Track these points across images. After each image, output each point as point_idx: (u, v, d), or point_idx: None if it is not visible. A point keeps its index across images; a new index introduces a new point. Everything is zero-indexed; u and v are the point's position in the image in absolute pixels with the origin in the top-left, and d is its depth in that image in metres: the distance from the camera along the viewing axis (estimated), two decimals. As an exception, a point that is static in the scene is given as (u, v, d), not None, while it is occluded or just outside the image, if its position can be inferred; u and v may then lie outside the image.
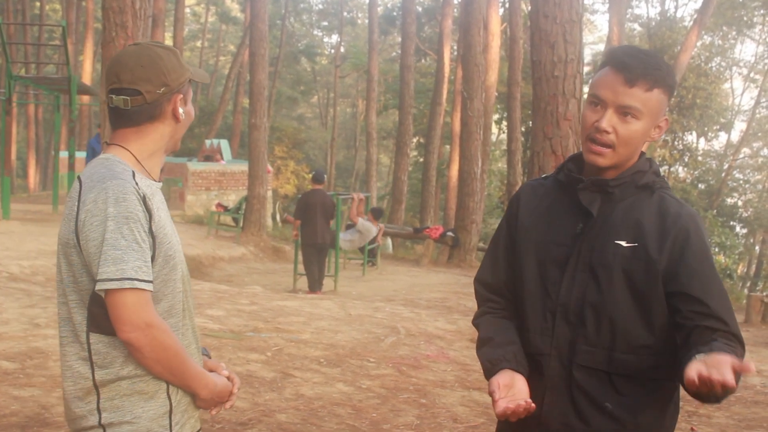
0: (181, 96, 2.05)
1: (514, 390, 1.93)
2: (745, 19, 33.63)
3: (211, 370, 2.14)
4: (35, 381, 5.08)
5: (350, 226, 14.49)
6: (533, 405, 1.88)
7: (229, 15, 47.63)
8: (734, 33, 36.67)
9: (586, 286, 1.96)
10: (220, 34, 52.86)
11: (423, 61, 37.03)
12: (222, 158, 23.93)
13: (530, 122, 19.16)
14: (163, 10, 23.75)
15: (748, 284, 32.16)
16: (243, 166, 21.64)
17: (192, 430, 2.09)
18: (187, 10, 46.33)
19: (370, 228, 14.02)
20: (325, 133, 47.73)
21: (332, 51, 53.57)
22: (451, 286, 13.38)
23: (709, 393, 1.63)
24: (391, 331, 7.66)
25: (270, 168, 22.29)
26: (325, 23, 53.22)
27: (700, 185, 31.99)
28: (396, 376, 6.02)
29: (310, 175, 12.56)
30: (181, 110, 2.05)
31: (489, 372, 2.00)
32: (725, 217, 31.00)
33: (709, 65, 31.92)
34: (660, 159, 31.75)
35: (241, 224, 17.80)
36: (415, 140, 33.58)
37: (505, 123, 29.40)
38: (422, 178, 28.16)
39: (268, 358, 6.16)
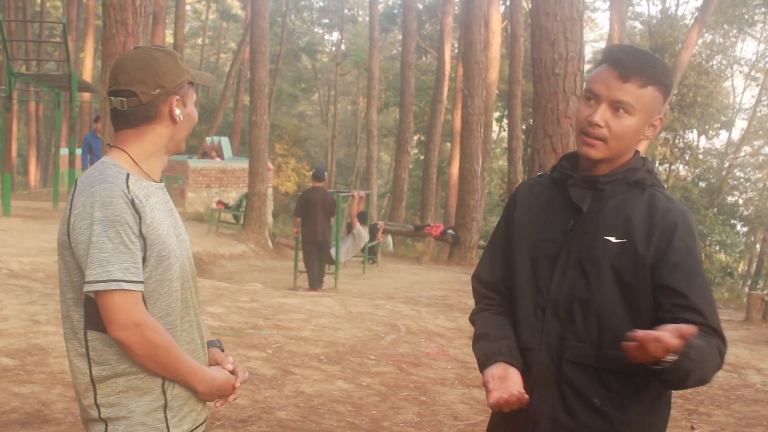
0: (178, 97, 2.07)
1: (508, 382, 1.95)
2: (746, 17, 33.58)
3: (217, 364, 2.20)
4: (35, 378, 5.08)
5: (349, 226, 14.49)
6: (526, 396, 1.90)
7: (230, 12, 47.61)
8: (735, 31, 36.63)
9: (575, 282, 1.97)
10: (221, 32, 52.83)
11: (424, 58, 36.99)
12: (217, 155, 23.89)
13: (531, 120, 19.13)
14: (163, 8, 23.75)
15: (749, 282, 32.18)
16: (243, 164, 21.61)
17: (194, 423, 2.13)
18: (188, 7, 46.27)
19: (363, 235, 13.95)
20: (326, 130, 47.70)
21: (333, 48, 53.54)
22: (452, 284, 13.38)
23: (645, 356, 1.68)
24: (391, 328, 7.66)
25: (270, 165, 22.26)
26: (326, 20, 53.17)
27: (700, 183, 31.99)
28: (396, 373, 6.02)
29: (311, 173, 12.51)
30: (178, 111, 2.07)
31: (483, 365, 2.03)
32: (726, 215, 30.98)
33: (710, 63, 31.90)
34: (661, 157, 31.75)
35: (241, 222, 17.80)
36: (415, 138, 33.56)
37: (505, 121, 29.42)
38: (423, 176, 28.14)
39: (269, 356, 6.16)
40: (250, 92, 18.26)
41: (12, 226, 13.51)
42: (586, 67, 10.34)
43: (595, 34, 47.66)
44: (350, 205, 14.51)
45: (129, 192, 1.94)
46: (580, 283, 1.96)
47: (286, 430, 4.58)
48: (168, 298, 2.03)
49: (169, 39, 37.40)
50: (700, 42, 28.28)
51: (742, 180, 38.43)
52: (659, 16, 34.19)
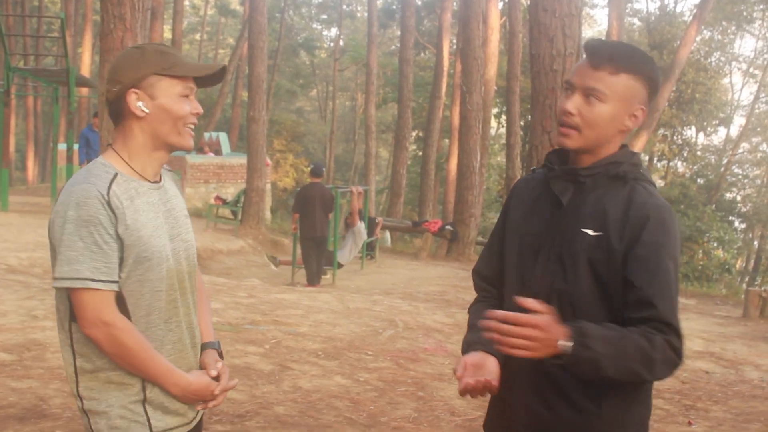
0: (138, 91, 2.04)
1: (483, 370, 1.95)
2: (744, 14, 33.59)
3: (203, 368, 2.19)
4: (33, 373, 5.08)
5: (347, 223, 14.51)
6: (495, 383, 1.90)
7: (228, 8, 47.51)
8: (734, 28, 36.61)
9: (555, 274, 1.98)
10: (219, 27, 52.73)
11: (422, 54, 36.95)
12: (211, 151, 23.84)
13: (529, 116, 19.17)
14: (162, 3, 23.70)
15: (747, 279, 32.22)
16: (242, 159, 21.59)
17: (181, 420, 2.13)
18: (186, 2, 46.24)
19: (363, 232, 13.93)
20: (324, 126, 47.65)
21: (331, 44, 53.51)
22: (450, 280, 13.38)
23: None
24: (389, 324, 7.67)
25: (269, 161, 22.23)
26: (324, 16, 53.09)
27: (699, 180, 32.03)
28: (394, 369, 6.03)
29: (309, 169, 12.48)
30: (139, 104, 2.04)
31: (463, 353, 2.05)
32: (724, 211, 31.03)
33: (709, 60, 31.93)
34: (659, 154, 31.78)
35: (239, 217, 17.78)
36: (414, 134, 33.54)
37: (504, 117, 29.40)
38: (421, 172, 28.12)
39: (266, 351, 6.17)
40: (248, 88, 18.23)
41: (10, 221, 13.50)
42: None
43: (594, 31, 47.71)
44: (349, 202, 14.50)
45: (108, 193, 1.96)
46: (559, 276, 1.97)
47: (284, 425, 4.58)
48: (150, 298, 2.04)
49: (168, 34, 37.30)
50: (698, 39, 28.29)
51: (740, 177, 38.49)
52: (658, 12, 34.20)
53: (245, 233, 16.93)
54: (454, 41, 28.81)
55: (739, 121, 44.15)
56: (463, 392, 1.92)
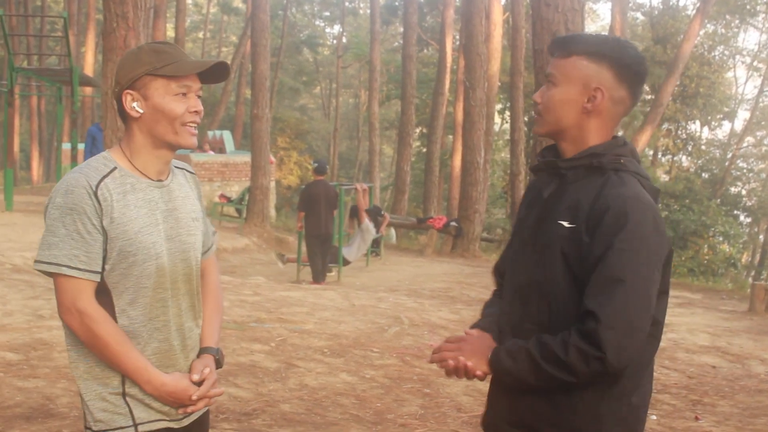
0: (132, 92, 2.06)
1: (464, 341, 2.07)
2: (748, 7, 33.40)
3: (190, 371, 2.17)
4: (39, 372, 5.09)
5: (353, 217, 14.47)
6: (468, 364, 1.99)
7: (231, 6, 47.51)
8: (737, 21, 36.45)
9: (534, 266, 2.00)
10: (222, 25, 52.74)
11: (425, 51, 36.90)
12: (211, 149, 23.86)
13: (533, 111, 19.11)
14: (164, 1, 23.74)
15: (752, 273, 32.14)
16: (246, 157, 21.60)
17: (166, 415, 2.12)
18: (189, 0, 46.22)
19: (371, 230, 13.92)
20: (328, 123, 47.66)
21: (334, 41, 53.43)
22: (455, 276, 13.37)
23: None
24: (394, 321, 7.67)
25: (273, 159, 22.27)
26: (327, 13, 53.05)
27: (703, 174, 31.94)
28: (400, 366, 6.03)
29: (313, 166, 12.48)
30: (134, 105, 2.06)
31: None
32: (729, 206, 30.92)
33: (712, 54, 31.84)
34: (664, 148, 31.72)
35: (244, 215, 17.80)
36: (417, 130, 33.50)
37: (507, 113, 29.34)
38: (425, 169, 28.10)
39: (272, 349, 6.17)
40: (251, 85, 18.24)
41: (14, 220, 13.53)
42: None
43: (597, 26, 47.56)
44: (354, 198, 14.49)
45: (97, 185, 1.99)
46: (538, 268, 1.99)
47: (290, 423, 4.58)
48: (134, 293, 2.05)
49: (170, 33, 37.36)
50: (702, 33, 28.19)
51: (744, 171, 38.33)
52: (661, 6, 34.08)
53: (250, 231, 16.95)
54: (457, 37, 28.81)
55: (743, 115, 44.06)
56: (431, 362, 2.09)
